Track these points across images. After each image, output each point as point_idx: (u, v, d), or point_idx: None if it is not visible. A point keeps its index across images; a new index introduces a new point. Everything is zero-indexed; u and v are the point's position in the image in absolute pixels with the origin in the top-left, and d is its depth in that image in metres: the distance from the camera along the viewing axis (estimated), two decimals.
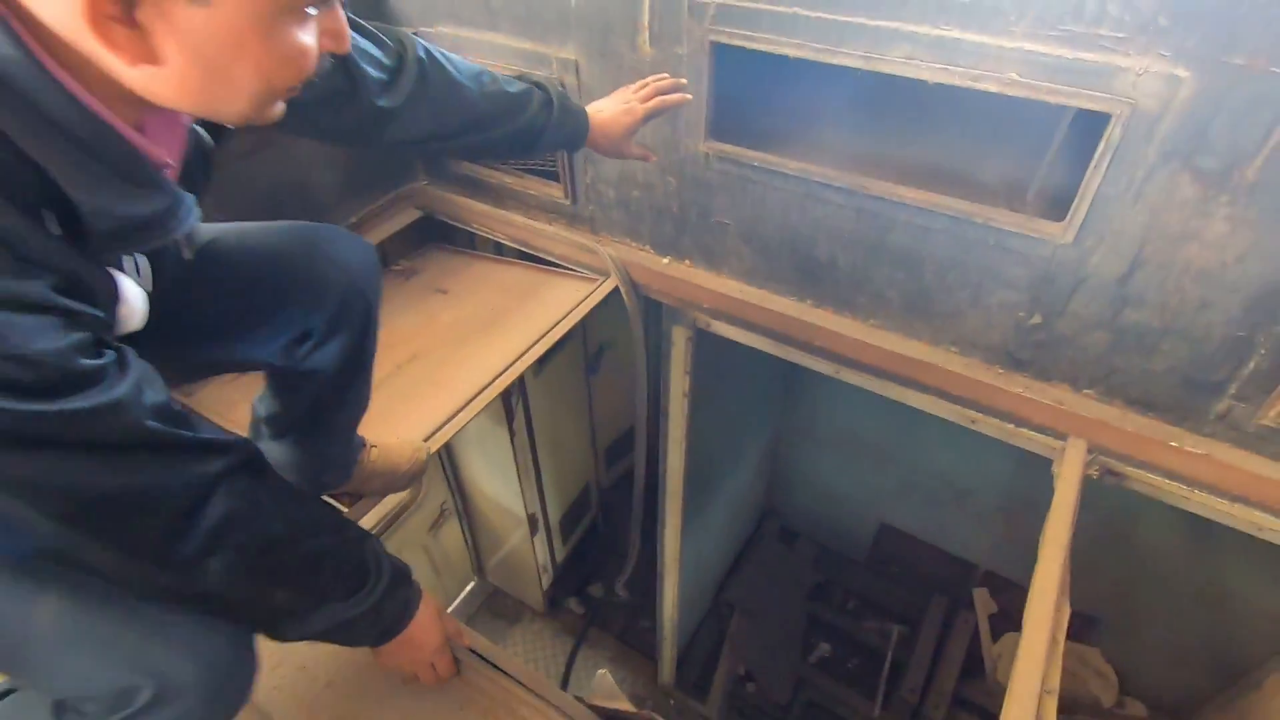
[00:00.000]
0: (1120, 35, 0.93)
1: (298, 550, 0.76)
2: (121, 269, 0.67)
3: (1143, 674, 2.68)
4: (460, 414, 1.36)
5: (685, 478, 2.07)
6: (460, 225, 1.84)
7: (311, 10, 0.60)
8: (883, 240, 1.30)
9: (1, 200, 0.52)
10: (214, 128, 0.79)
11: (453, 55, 1.05)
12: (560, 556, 3.16)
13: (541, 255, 1.72)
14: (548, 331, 1.52)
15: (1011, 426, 1.30)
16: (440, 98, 1.01)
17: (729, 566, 3.26)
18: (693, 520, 2.32)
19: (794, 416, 3.05)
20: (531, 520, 2.77)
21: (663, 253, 1.60)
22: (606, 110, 1.17)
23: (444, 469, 2.68)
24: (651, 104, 1.18)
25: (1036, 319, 1.22)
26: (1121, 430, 1.19)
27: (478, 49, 1.51)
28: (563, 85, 1.42)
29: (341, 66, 0.92)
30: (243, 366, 1.24)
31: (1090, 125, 1.04)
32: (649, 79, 1.21)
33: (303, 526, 0.77)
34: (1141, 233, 1.05)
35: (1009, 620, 2.97)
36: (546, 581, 3.12)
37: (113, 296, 0.64)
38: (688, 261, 1.58)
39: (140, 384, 0.62)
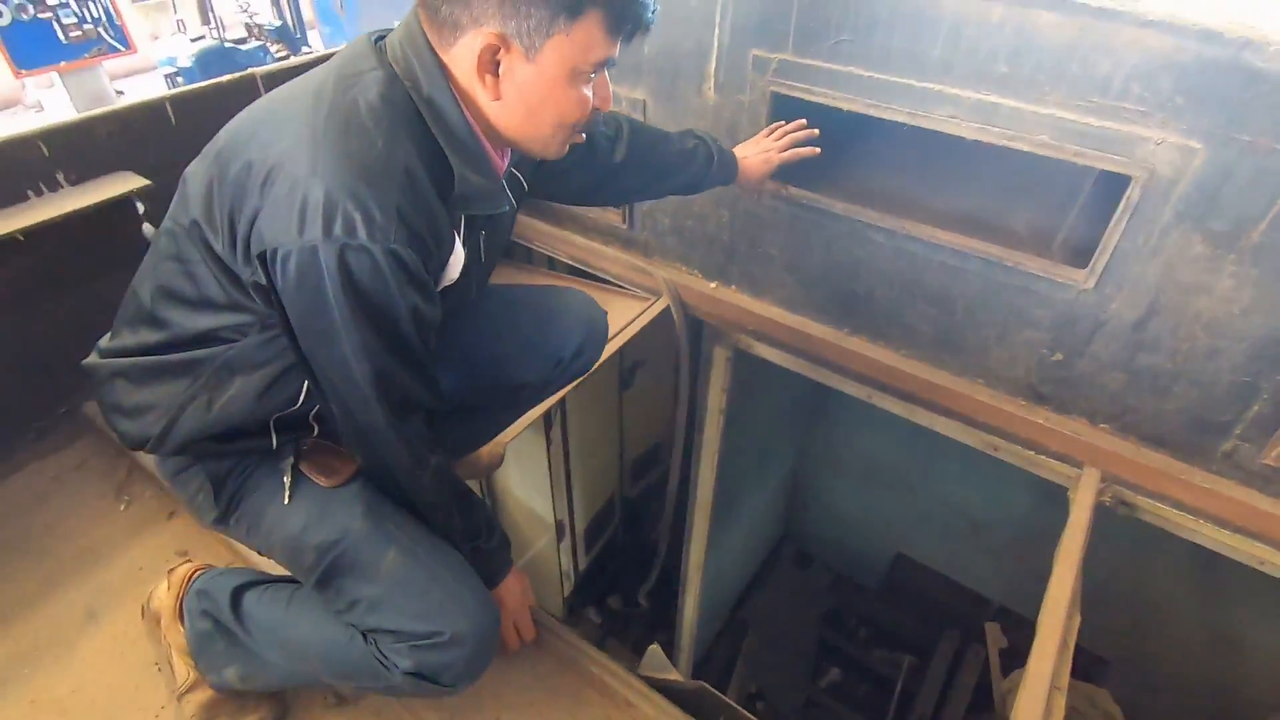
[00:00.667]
0: (1142, 109, 1.06)
1: (464, 499, 1.06)
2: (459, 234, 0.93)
3: (1151, 716, 2.72)
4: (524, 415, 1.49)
5: (714, 493, 2.18)
6: (520, 242, 1.99)
7: (593, 75, 0.87)
8: (919, 278, 1.42)
9: (425, 158, 0.84)
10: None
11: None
12: (583, 565, 3.26)
13: (598, 274, 1.86)
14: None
15: (1032, 454, 1.40)
16: (647, 153, 1.28)
17: (746, 585, 3.34)
18: (716, 535, 2.42)
19: (817, 443, 3.15)
20: (559, 527, 2.88)
21: (710, 278, 1.73)
22: (750, 156, 1.37)
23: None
24: (787, 155, 1.37)
25: (1058, 357, 1.33)
26: (1134, 463, 1.30)
27: None
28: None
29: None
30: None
31: (1112, 185, 1.17)
32: (785, 125, 1.39)
33: (466, 488, 1.08)
34: (1157, 283, 1.17)
35: (1019, 657, 3.00)
36: (568, 589, 3.22)
37: (448, 249, 0.90)
38: (734, 287, 1.71)
39: (437, 322, 0.90)
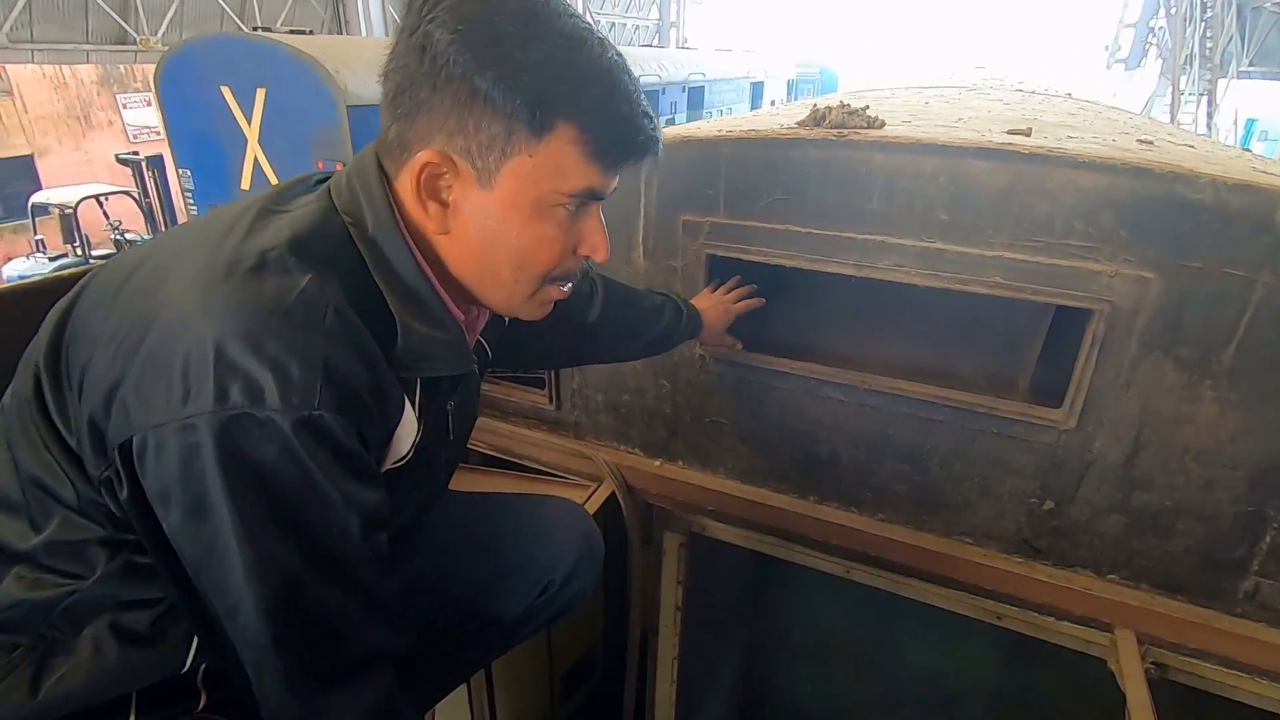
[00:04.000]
0: (1089, 245, 1.05)
1: None
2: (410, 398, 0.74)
3: None
4: None
5: (675, 709, 1.83)
6: None
7: (568, 208, 0.72)
8: (885, 434, 1.32)
9: (360, 307, 0.66)
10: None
11: None
12: None
13: (525, 463, 1.63)
14: None
15: (1051, 620, 1.24)
16: (621, 310, 1.16)
17: None
18: None
19: (768, 628, 2.86)
20: None
21: (653, 455, 1.55)
22: (709, 310, 1.30)
23: None
24: (740, 306, 1.32)
25: (1049, 505, 1.23)
26: (1162, 615, 1.16)
27: None
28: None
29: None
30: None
31: (1070, 320, 1.14)
32: (732, 281, 1.35)
33: None
34: (1138, 417, 1.11)
35: None
36: None
37: (396, 415, 0.71)
38: (680, 463, 1.53)
39: (382, 507, 0.68)
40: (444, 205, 0.71)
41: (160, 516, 0.61)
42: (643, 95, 0.72)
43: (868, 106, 1.28)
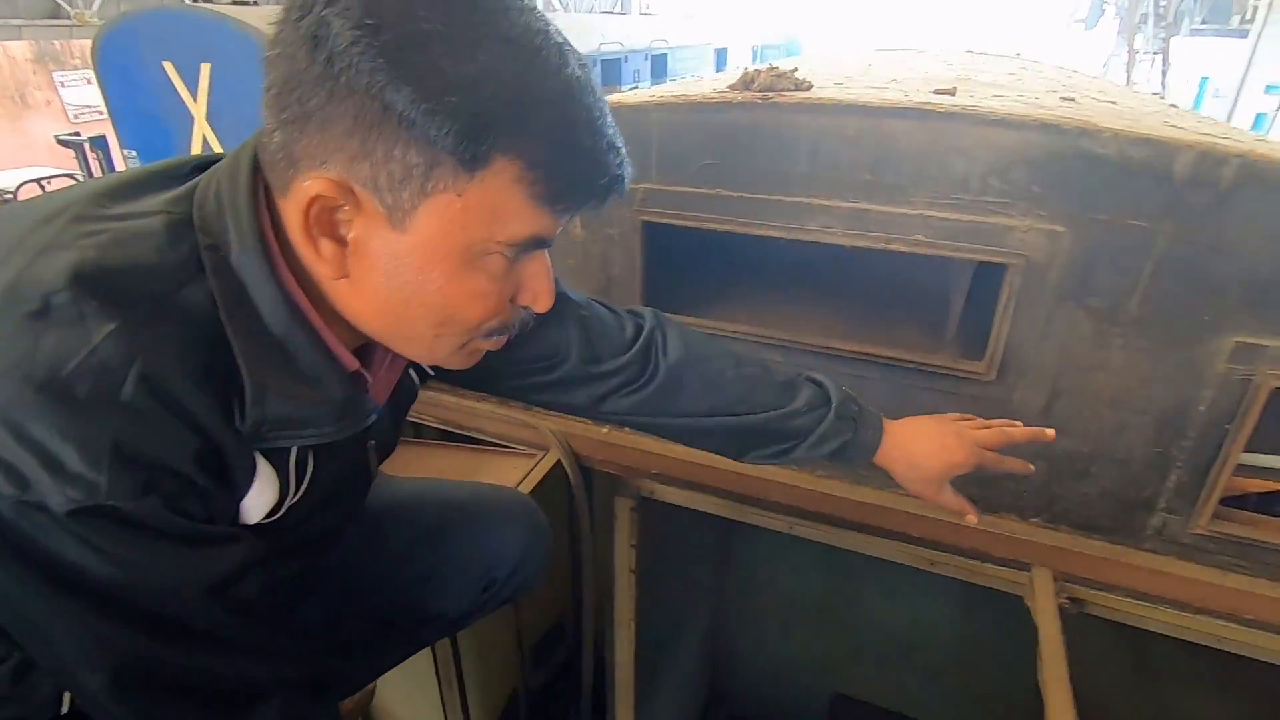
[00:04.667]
0: (1004, 201, 1.09)
1: None
2: (274, 459, 0.64)
3: None
4: None
5: (634, 668, 1.88)
6: None
7: (505, 254, 0.60)
8: None
9: (188, 366, 0.53)
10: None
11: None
12: None
13: (474, 434, 1.64)
14: None
15: (976, 563, 1.30)
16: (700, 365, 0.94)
17: None
18: (642, 716, 2.09)
19: (733, 588, 2.94)
20: None
21: (601, 422, 1.58)
22: (924, 435, 0.96)
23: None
24: (989, 458, 0.96)
25: None
26: (1078, 554, 1.23)
27: None
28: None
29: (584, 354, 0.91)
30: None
31: (990, 275, 1.18)
32: (996, 422, 1.00)
33: None
34: (1055, 366, 1.16)
35: None
36: None
37: (247, 480, 0.61)
38: (628, 430, 1.56)
39: (238, 569, 0.60)
40: (341, 244, 0.57)
41: None
42: (609, 121, 0.60)
43: (796, 69, 1.29)
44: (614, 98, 1.34)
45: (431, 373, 0.86)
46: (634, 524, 1.64)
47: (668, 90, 1.46)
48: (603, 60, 9.85)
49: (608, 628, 1.83)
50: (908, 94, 1.26)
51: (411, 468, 1.63)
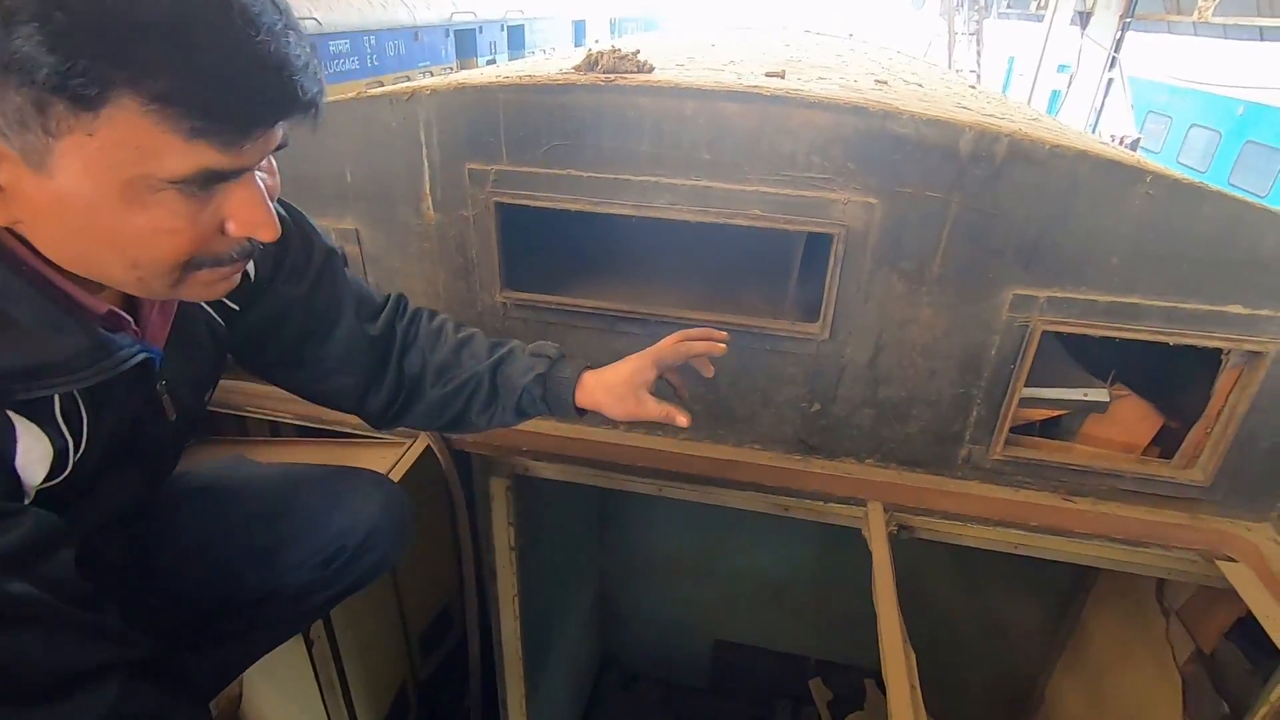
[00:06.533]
0: (825, 176, 1.20)
1: None
2: (36, 416, 0.62)
3: (952, 717, 2.94)
4: None
5: (522, 643, 1.93)
6: (225, 410, 1.65)
7: (183, 190, 0.57)
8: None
9: None
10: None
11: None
12: None
13: (336, 428, 1.59)
14: None
15: (820, 504, 1.45)
16: (439, 351, 1.04)
17: None
18: (535, 693, 2.14)
19: (614, 553, 3.04)
20: None
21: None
22: (614, 366, 1.06)
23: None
24: (666, 351, 1.05)
25: (816, 407, 1.41)
26: (901, 486, 1.40)
27: None
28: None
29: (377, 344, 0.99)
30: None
31: (819, 245, 1.30)
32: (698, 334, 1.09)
33: None
34: (877, 323, 1.31)
35: (848, 703, 3.10)
36: None
37: (6, 442, 0.59)
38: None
39: (33, 544, 0.58)
40: None
41: None
42: (269, 37, 0.55)
43: (639, 50, 1.34)
44: (460, 78, 1.33)
45: (236, 307, 0.87)
46: (510, 502, 1.66)
47: (514, 70, 1.46)
48: (456, 31, 9.46)
49: (494, 610, 1.86)
50: (741, 76, 1.34)
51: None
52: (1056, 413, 1.38)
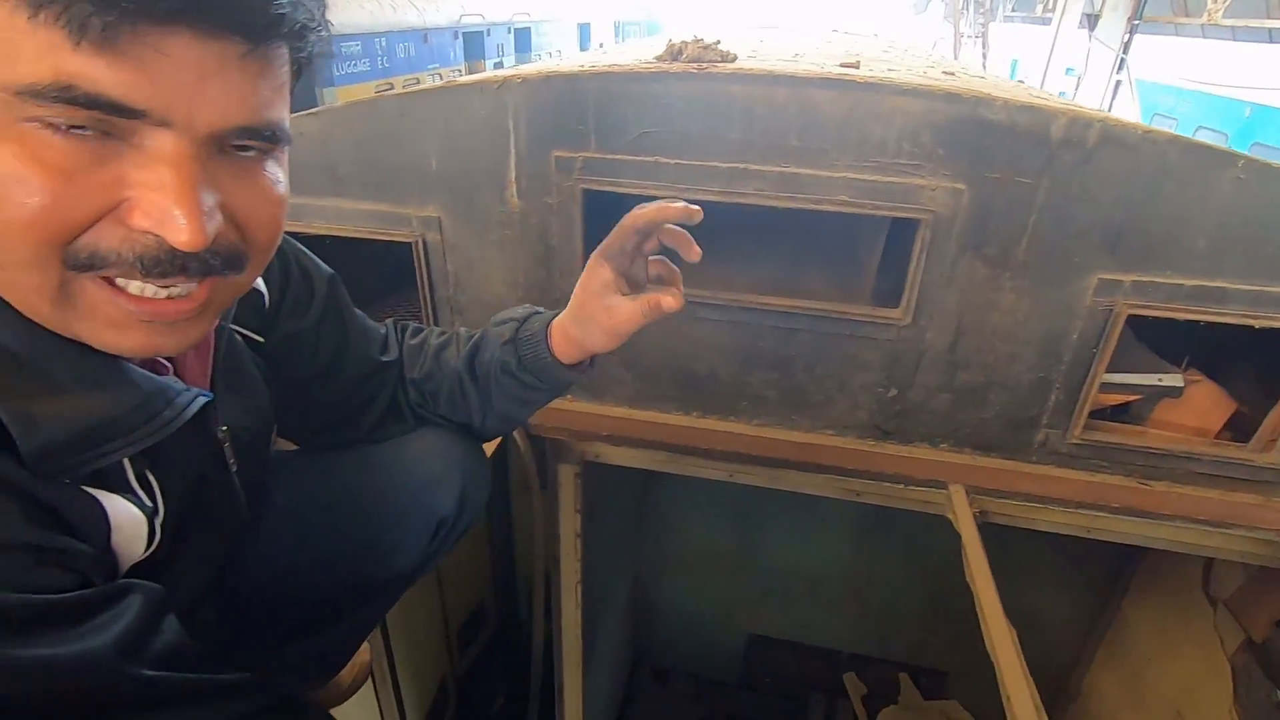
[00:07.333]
0: (915, 163, 1.22)
1: None
2: (113, 486, 0.54)
3: (994, 713, 2.95)
4: None
5: (581, 634, 1.94)
6: None
7: (47, 120, 0.42)
8: (755, 347, 1.45)
9: None
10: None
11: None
12: None
13: None
14: None
15: (900, 488, 1.47)
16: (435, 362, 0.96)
17: None
18: (586, 685, 2.15)
19: (650, 546, 3.06)
20: None
21: None
22: (591, 318, 0.87)
23: None
24: (641, 311, 0.85)
25: (893, 392, 1.43)
26: (981, 469, 1.42)
27: (320, 214, 1.46)
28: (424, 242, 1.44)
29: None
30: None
31: (905, 228, 1.32)
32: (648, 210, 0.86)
33: None
34: (958, 309, 1.33)
35: (882, 697, 3.11)
36: None
37: (99, 522, 0.52)
38: (570, 397, 1.59)
39: (145, 623, 0.51)
40: None
41: None
42: None
43: (719, 41, 1.36)
44: (548, 68, 1.35)
45: (260, 339, 0.79)
46: (579, 489, 1.68)
47: (599, 61, 1.48)
48: (465, 33, 9.48)
49: (554, 595, 1.87)
50: (820, 66, 1.37)
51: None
52: (1132, 397, 1.40)
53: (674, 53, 1.32)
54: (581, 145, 1.32)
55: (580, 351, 0.91)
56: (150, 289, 0.48)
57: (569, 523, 1.72)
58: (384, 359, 0.92)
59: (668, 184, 1.31)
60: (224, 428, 0.68)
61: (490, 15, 9.97)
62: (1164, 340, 1.49)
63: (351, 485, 0.91)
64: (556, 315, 0.92)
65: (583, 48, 12.29)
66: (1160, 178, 1.15)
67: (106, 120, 0.43)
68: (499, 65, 9.77)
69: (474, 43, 9.65)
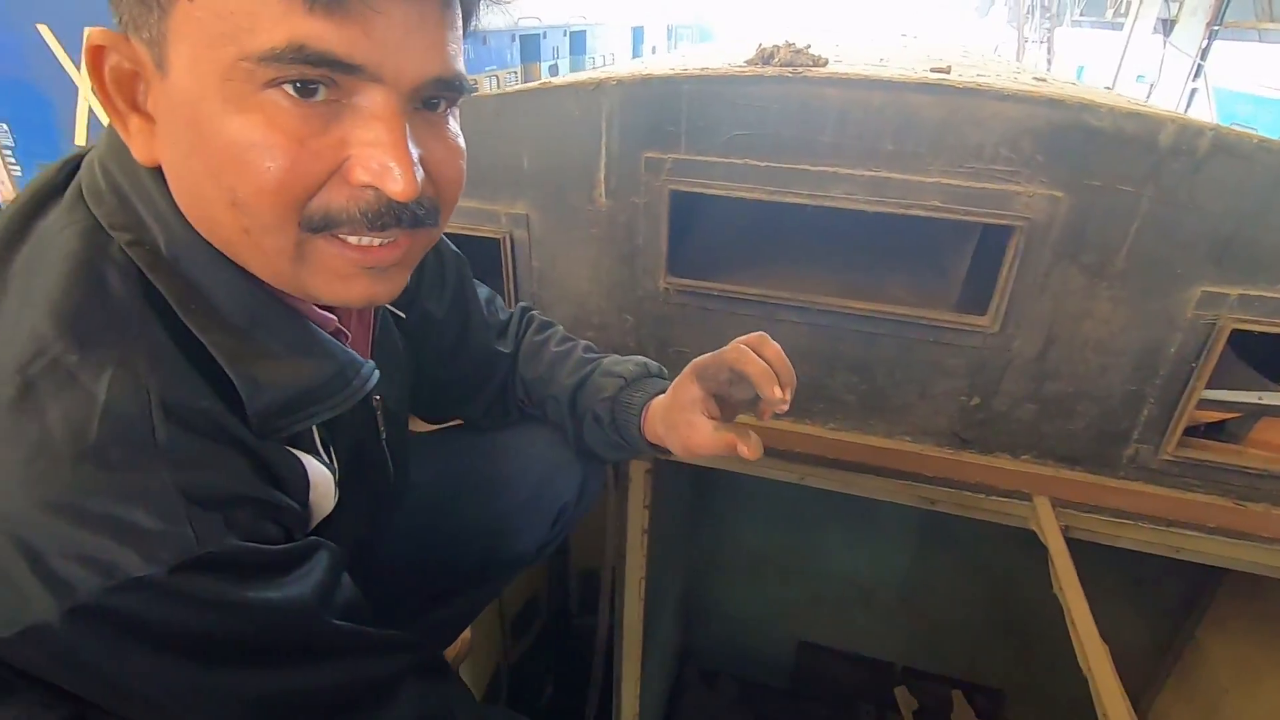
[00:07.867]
0: (1011, 169, 1.21)
1: None
2: (304, 447, 0.60)
3: None
4: None
5: (643, 632, 1.96)
6: None
7: (288, 89, 0.46)
8: (836, 350, 1.45)
9: (192, 379, 0.49)
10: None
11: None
12: None
13: None
14: None
15: (981, 497, 1.45)
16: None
17: None
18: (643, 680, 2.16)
19: (702, 548, 3.06)
20: None
21: None
22: (666, 398, 0.94)
23: None
24: (720, 442, 0.87)
25: (976, 400, 1.42)
26: (1066, 482, 1.39)
27: None
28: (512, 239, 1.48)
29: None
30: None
31: (996, 234, 1.30)
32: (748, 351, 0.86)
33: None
34: (1049, 317, 1.31)
35: (934, 714, 3.05)
36: None
37: (301, 480, 0.58)
38: None
39: (332, 575, 0.57)
40: (148, 119, 0.50)
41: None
42: None
43: (810, 45, 1.37)
44: (641, 70, 1.38)
45: (403, 315, 0.83)
46: (649, 486, 1.70)
47: (690, 64, 1.50)
48: (521, 36, 9.63)
49: (619, 595, 1.89)
50: (912, 70, 1.36)
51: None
52: (1231, 415, 1.36)
53: (765, 56, 1.34)
54: (672, 147, 1.34)
55: (656, 440, 0.98)
56: (368, 239, 0.53)
57: (637, 519, 1.74)
58: (499, 348, 0.96)
59: (756, 186, 1.32)
60: (377, 396, 0.73)
61: (547, 19, 10.11)
62: (1265, 357, 1.44)
63: (484, 467, 0.99)
64: (661, 394, 0.98)
65: (635, 52, 12.34)
66: (1275, 189, 1.12)
67: (331, 78, 0.47)
68: (554, 68, 9.88)
69: (530, 45, 9.79)
